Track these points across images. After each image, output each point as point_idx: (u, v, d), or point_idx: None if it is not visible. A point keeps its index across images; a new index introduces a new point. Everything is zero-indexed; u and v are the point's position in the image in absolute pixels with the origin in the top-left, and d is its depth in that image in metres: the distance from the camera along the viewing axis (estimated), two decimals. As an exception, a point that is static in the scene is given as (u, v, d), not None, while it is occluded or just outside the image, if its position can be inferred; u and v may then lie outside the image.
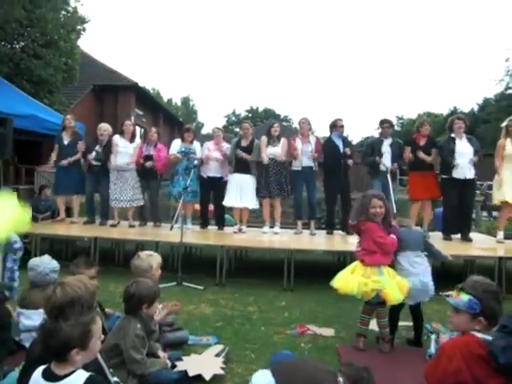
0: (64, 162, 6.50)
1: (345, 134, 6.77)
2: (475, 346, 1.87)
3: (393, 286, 3.23)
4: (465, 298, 2.03)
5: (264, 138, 6.32)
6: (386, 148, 6.27)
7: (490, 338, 1.90)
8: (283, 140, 6.32)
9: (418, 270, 3.36)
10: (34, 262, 3.12)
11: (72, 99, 14.05)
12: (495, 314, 1.97)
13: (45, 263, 3.08)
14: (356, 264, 3.42)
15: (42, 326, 1.95)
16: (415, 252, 3.45)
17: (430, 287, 3.40)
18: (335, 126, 6.45)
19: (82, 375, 1.75)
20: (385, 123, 6.47)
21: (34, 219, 6.86)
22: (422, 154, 6.10)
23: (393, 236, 3.36)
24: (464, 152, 5.83)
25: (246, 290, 5.01)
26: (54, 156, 6.65)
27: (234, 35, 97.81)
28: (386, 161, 6.18)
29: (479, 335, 1.93)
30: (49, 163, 6.78)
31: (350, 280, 3.31)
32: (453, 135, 5.98)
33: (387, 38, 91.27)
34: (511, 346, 1.73)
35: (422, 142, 6.23)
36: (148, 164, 6.43)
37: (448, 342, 2.18)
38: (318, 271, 6.05)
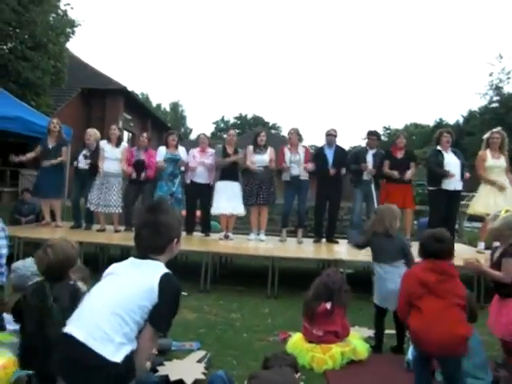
0: (46, 163, 6.38)
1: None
2: None
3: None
4: None
5: (250, 147, 6.37)
6: (369, 158, 6.42)
7: None
8: (270, 149, 6.38)
9: (395, 276, 3.39)
10: (16, 265, 3.10)
11: (60, 102, 13.96)
12: None
13: (27, 266, 3.03)
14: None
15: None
16: (391, 261, 3.53)
17: None
18: (326, 135, 6.57)
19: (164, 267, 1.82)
20: (372, 135, 6.63)
21: (18, 222, 6.79)
22: (395, 174, 6.20)
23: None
24: (452, 163, 5.92)
25: (230, 297, 5.03)
26: (29, 155, 6.56)
27: (225, 42, 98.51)
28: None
29: None
30: (27, 156, 6.60)
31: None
32: (439, 148, 6.06)
33: (376, 50, 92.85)
34: None
35: (400, 155, 6.36)
36: (134, 175, 6.43)
37: None
38: (302, 278, 6.09)
